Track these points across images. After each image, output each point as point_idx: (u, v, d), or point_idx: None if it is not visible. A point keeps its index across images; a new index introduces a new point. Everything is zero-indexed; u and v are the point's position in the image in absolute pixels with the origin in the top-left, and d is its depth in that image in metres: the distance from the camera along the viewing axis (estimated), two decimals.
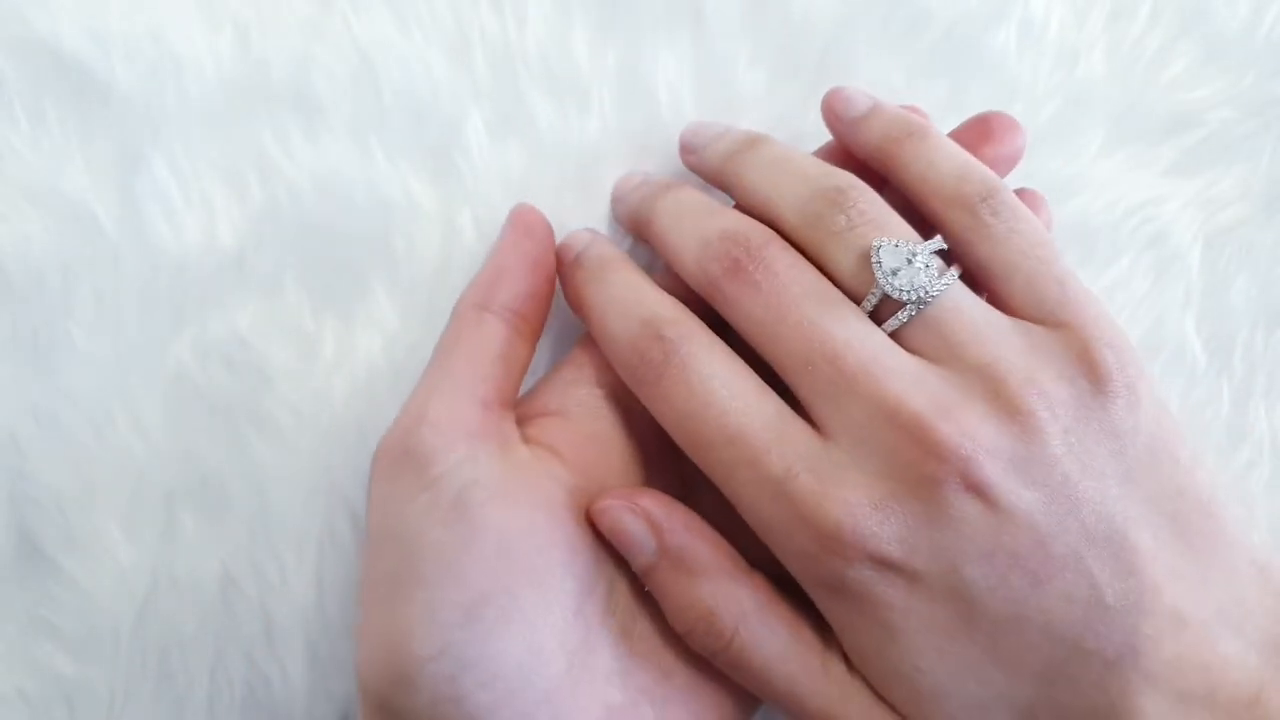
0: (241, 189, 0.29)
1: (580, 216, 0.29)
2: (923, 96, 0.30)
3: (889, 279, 0.22)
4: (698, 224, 0.25)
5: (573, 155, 0.29)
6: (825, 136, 0.29)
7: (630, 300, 0.25)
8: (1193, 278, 0.30)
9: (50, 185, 0.29)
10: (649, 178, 0.28)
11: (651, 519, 0.23)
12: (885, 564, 0.21)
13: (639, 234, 0.28)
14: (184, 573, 0.28)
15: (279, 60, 0.29)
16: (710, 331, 0.24)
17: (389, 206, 0.29)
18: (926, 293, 0.22)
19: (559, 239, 0.28)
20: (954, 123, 0.29)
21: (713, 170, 0.27)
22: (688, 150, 0.28)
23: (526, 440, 0.25)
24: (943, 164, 0.24)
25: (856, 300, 0.23)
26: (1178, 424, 0.23)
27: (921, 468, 0.21)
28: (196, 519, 0.28)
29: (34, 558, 0.28)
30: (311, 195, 0.29)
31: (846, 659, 0.23)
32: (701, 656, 0.24)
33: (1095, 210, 0.30)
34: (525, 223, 0.27)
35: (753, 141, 0.26)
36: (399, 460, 0.23)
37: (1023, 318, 0.23)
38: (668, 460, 0.26)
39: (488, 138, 0.29)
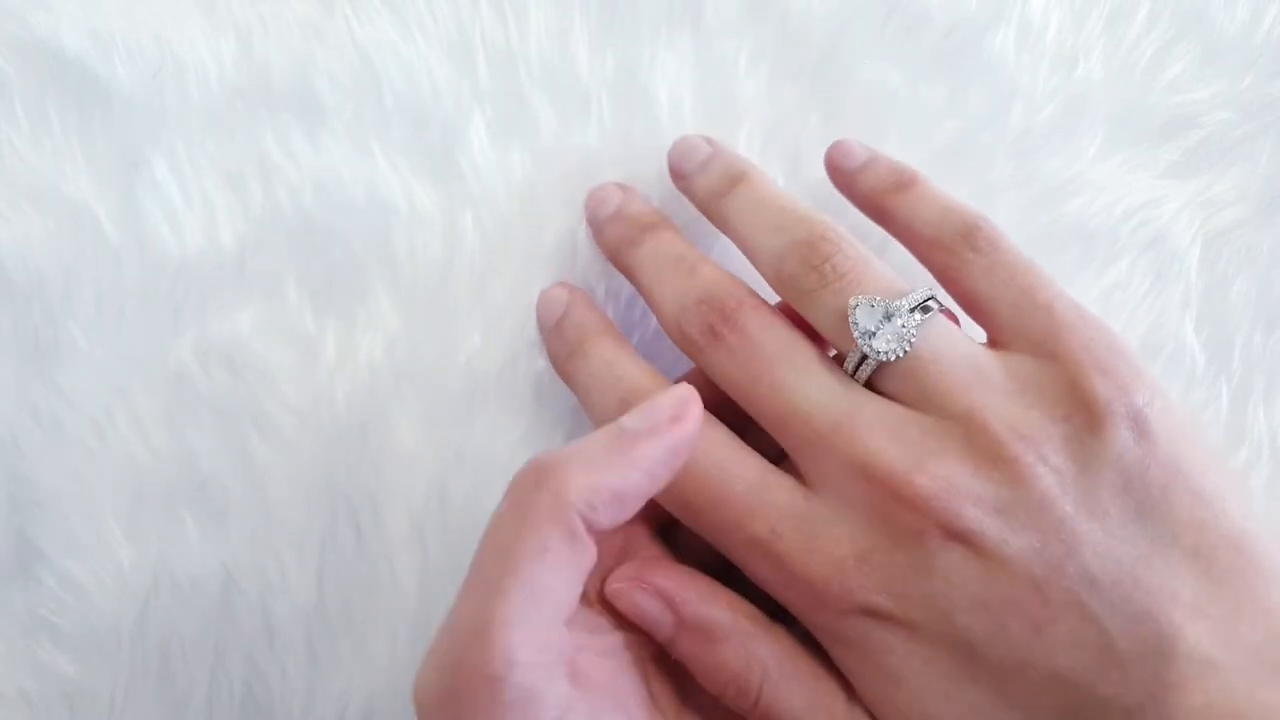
0: (243, 190, 0.29)
1: (580, 217, 0.29)
2: (922, 98, 0.30)
3: (866, 341, 0.22)
4: (676, 285, 0.25)
5: (574, 157, 0.29)
6: (824, 138, 0.29)
7: (608, 377, 0.25)
8: (1191, 279, 0.30)
9: (51, 186, 0.29)
10: (623, 203, 0.28)
11: (665, 595, 0.23)
12: (878, 615, 0.21)
13: (617, 268, 0.28)
14: (184, 573, 0.28)
15: (280, 62, 0.29)
16: None
17: (390, 209, 0.29)
18: (903, 348, 0.22)
19: (555, 248, 0.28)
20: (954, 124, 0.30)
21: (699, 205, 0.27)
22: (676, 175, 0.28)
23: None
24: (925, 211, 0.25)
25: (840, 354, 0.23)
26: (1203, 450, 0.22)
27: (902, 520, 0.21)
28: (197, 519, 0.28)
29: (34, 558, 0.28)
30: (313, 197, 0.29)
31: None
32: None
33: (1094, 212, 0.30)
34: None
35: (734, 181, 0.26)
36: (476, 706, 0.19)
37: (1014, 349, 0.23)
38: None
39: (489, 140, 0.29)
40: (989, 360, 0.23)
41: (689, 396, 0.22)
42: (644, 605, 0.23)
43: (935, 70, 0.30)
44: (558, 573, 0.20)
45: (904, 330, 0.22)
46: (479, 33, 0.29)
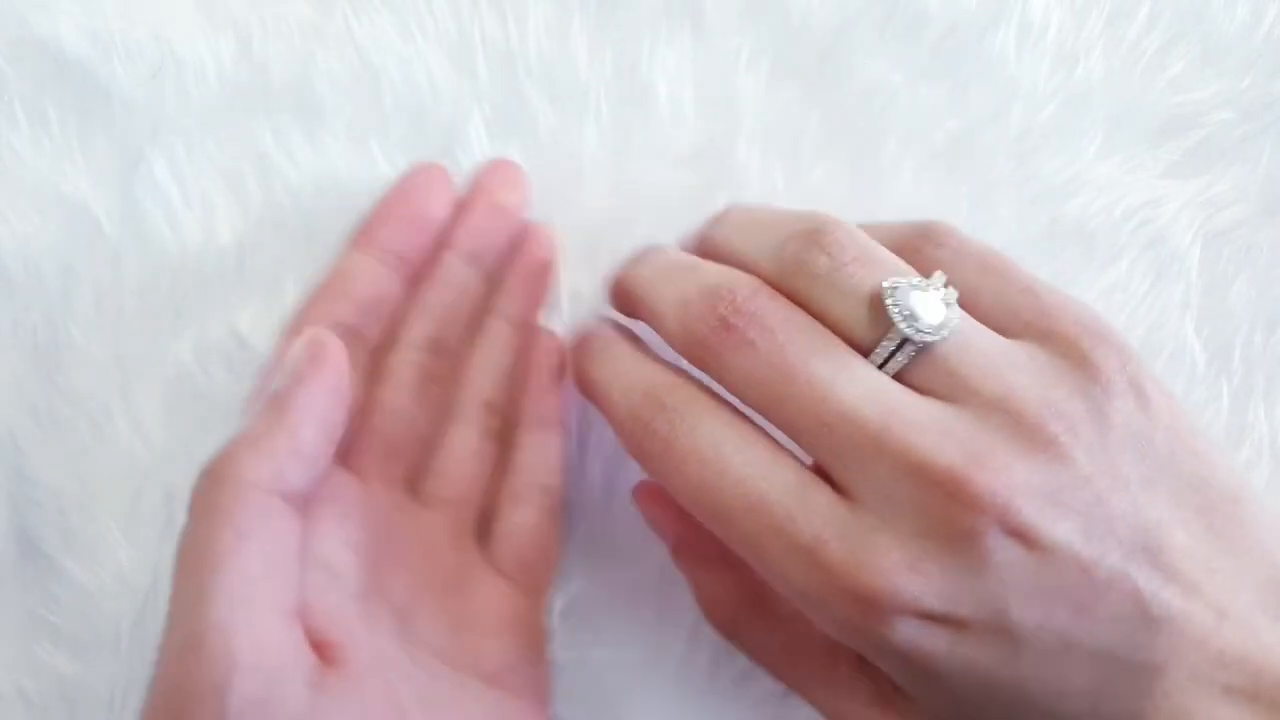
0: (242, 189, 0.29)
1: (580, 218, 0.29)
2: (922, 98, 0.30)
3: (910, 323, 0.21)
4: (676, 283, 0.23)
5: (574, 156, 0.29)
6: (824, 138, 0.29)
7: (631, 373, 0.23)
8: (1192, 279, 0.30)
9: (51, 186, 0.29)
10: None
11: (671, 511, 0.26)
12: (929, 618, 0.20)
13: (619, 299, 0.26)
14: None
15: (280, 62, 0.29)
16: (715, 394, 0.22)
17: None
18: (948, 329, 0.21)
19: (558, 238, 0.28)
20: (954, 124, 0.30)
21: (690, 245, 0.26)
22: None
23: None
24: (882, 230, 0.24)
25: (861, 345, 0.22)
26: (1185, 412, 0.23)
27: (960, 522, 0.20)
28: None
29: (34, 557, 0.28)
30: (311, 196, 0.29)
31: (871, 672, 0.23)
32: None
33: (1094, 212, 0.30)
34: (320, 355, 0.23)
35: (716, 217, 0.25)
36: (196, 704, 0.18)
37: (1008, 334, 0.22)
38: None
39: (489, 139, 0.29)
40: (1007, 344, 0.22)
41: (319, 335, 0.22)
42: (655, 515, 0.26)
43: (935, 70, 0.30)
44: (266, 554, 0.19)
45: (942, 309, 0.21)
46: (478, 32, 0.29)
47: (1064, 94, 0.30)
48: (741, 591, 0.25)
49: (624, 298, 0.25)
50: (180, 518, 0.25)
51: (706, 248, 0.25)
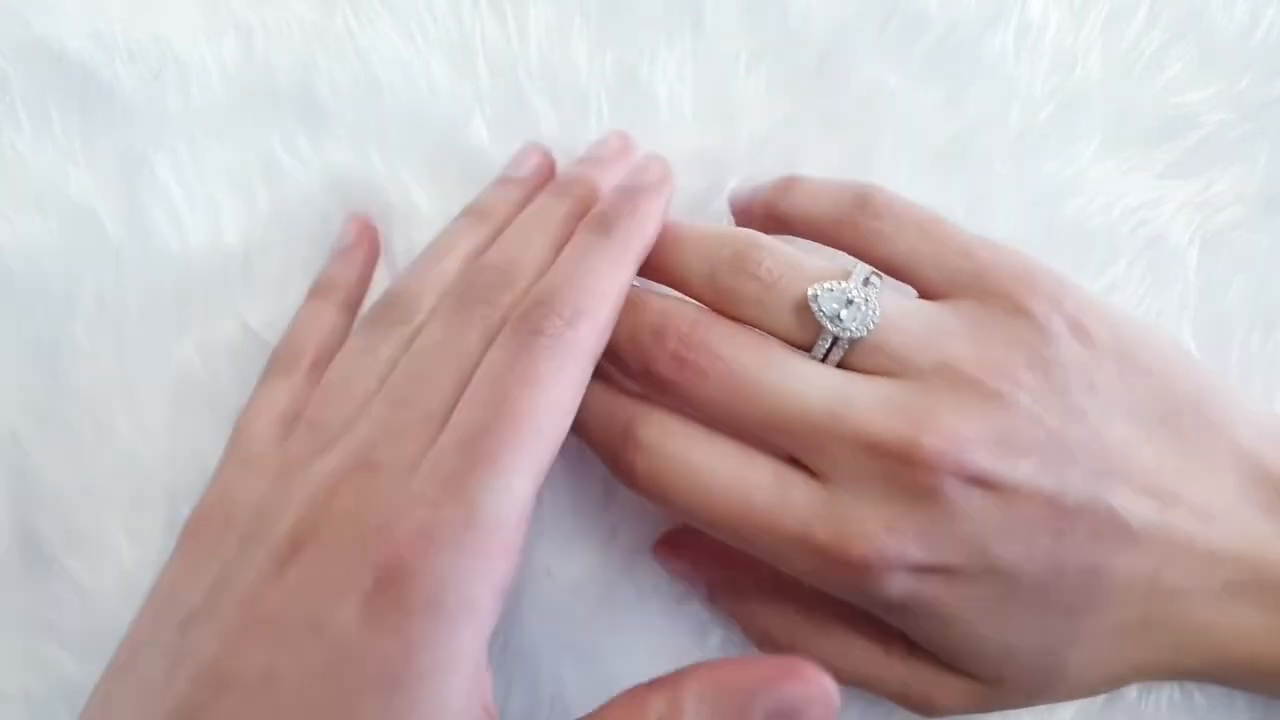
0: (245, 191, 0.29)
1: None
2: (921, 99, 0.30)
3: (836, 324, 0.23)
4: (624, 323, 0.24)
5: (574, 158, 0.29)
6: (824, 138, 0.29)
7: (603, 412, 0.25)
8: (1189, 280, 0.30)
9: (54, 187, 0.29)
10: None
11: (695, 558, 0.27)
12: (919, 569, 0.22)
13: None
14: None
15: (282, 64, 0.29)
16: (681, 415, 0.24)
17: (390, 209, 0.29)
18: (872, 322, 0.23)
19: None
20: (953, 125, 0.30)
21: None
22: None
23: None
24: (815, 200, 0.26)
25: (801, 345, 0.24)
26: (1140, 329, 0.24)
27: (921, 483, 0.22)
28: None
29: (37, 557, 0.28)
30: (314, 198, 0.29)
31: (907, 640, 0.24)
32: None
33: (1092, 212, 0.30)
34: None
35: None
36: None
37: (950, 296, 0.24)
38: None
39: (489, 140, 0.29)
40: (938, 312, 0.24)
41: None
42: (680, 571, 0.27)
43: (934, 71, 0.30)
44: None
45: (866, 305, 0.23)
46: (479, 34, 0.29)
47: (1062, 94, 0.30)
48: (787, 619, 0.26)
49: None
50: (183, 517, 0.26)
51: (651, 269, 0.26)
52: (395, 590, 0.19)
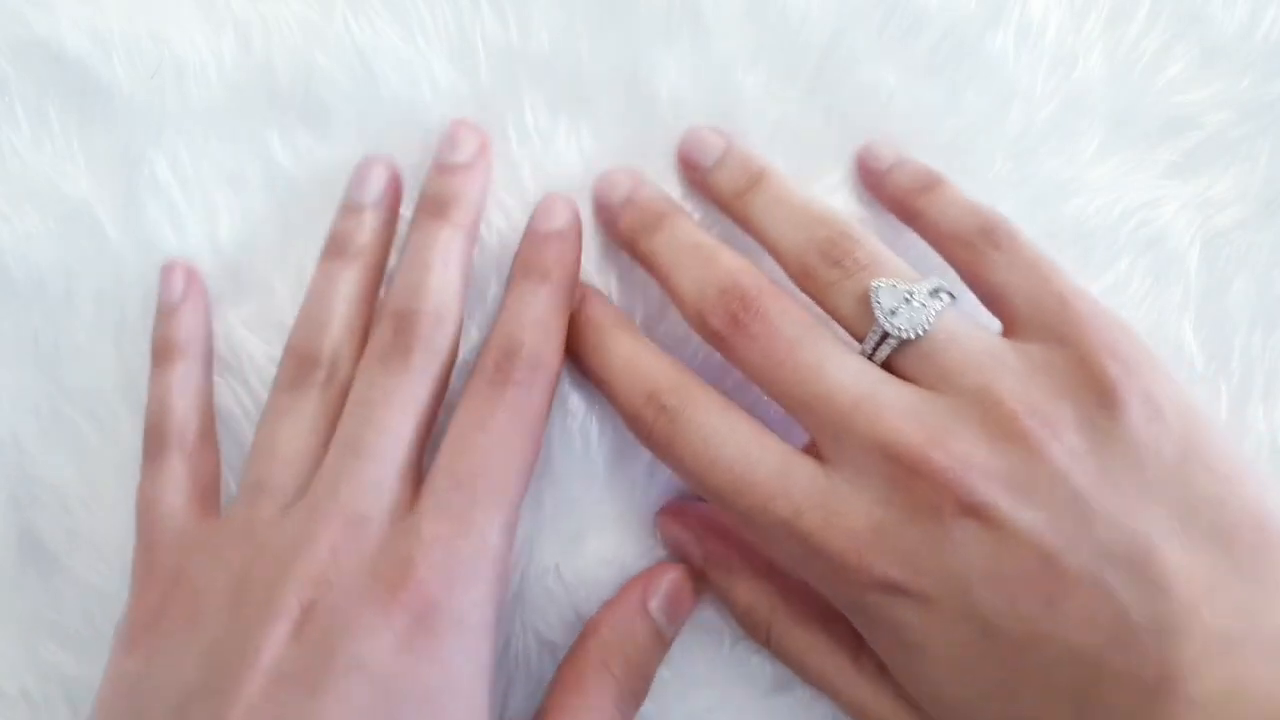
0: (243, 190, 0.29)
1: (581, 218, 0.29)
2: (921, 98, 0.30)
3: (888, 318, 0.23)
4: (696, 274, 0.25)
5: (574, 158, 0.29)
6: (824, 137, 0.29)
7: (632, 370, 0.26)
8: (1190, 280, 0.30)
9: (52, 186, 0.29)
10: (634, 189, 0.28)
11: (696, 530, 0.27)
12: (894, 588, 0.22)
13: (632, 255, 0.28)
14: None
15: (281, 63, 0.29)
16: (708, 390, 0.25)
17: None
18: (923, 327, 0.23)
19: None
20: (953, 125, 0.30)
21: (718, 201, 0.28)
22: (689, 167, 0.29)
23: None
24: (950, 210, 0.26)
25: (859, 338, 0.24)
26: (1219, 434, 0.23)
27: (919, 495, 0.22)
28: None
29: (37, 557, 0.28)
30: (313, 197, 0.29)
31: (879, 661, 0.24)
32: None
33: (1092, 212, 0.30)
34: None
35: (755, 179, 0.27)
36: None
37: (1029, 338, 0.24)
38: None
39: (489, 141, 0.29)
40: (1003, 345, 0.24)
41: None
42: (680, 536, 0.27)
43: (934, 70, 0.30)
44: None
45: (923, 309, 0.23)
46: (479, 33, 0.29)
47: (1063, 94, 0.30)
48: (771, 600, 0.26)
49: (635, 254, 0.28)
50: None
51: (738, 219, 0.27)
52: (428, 623, 0.22)
